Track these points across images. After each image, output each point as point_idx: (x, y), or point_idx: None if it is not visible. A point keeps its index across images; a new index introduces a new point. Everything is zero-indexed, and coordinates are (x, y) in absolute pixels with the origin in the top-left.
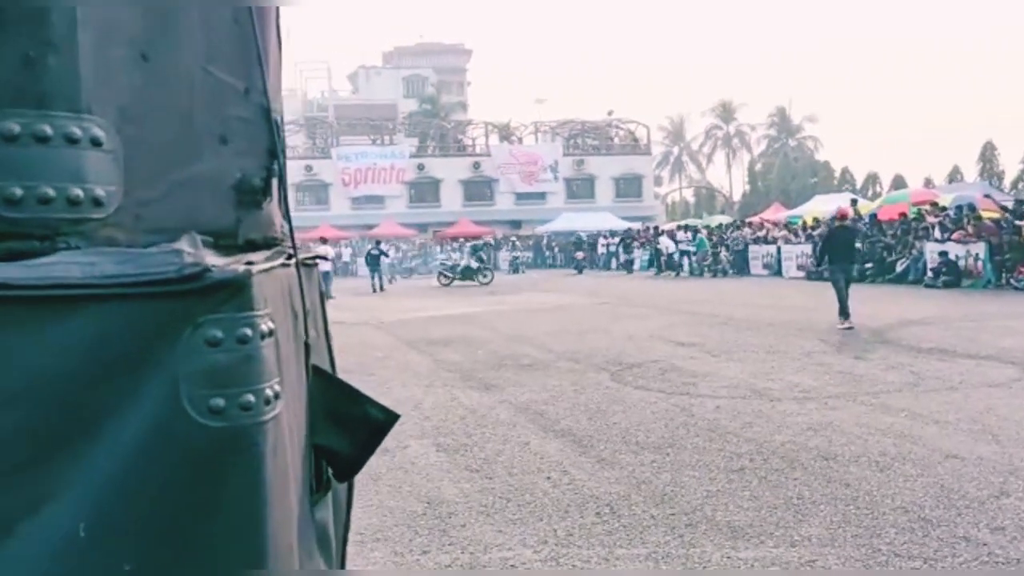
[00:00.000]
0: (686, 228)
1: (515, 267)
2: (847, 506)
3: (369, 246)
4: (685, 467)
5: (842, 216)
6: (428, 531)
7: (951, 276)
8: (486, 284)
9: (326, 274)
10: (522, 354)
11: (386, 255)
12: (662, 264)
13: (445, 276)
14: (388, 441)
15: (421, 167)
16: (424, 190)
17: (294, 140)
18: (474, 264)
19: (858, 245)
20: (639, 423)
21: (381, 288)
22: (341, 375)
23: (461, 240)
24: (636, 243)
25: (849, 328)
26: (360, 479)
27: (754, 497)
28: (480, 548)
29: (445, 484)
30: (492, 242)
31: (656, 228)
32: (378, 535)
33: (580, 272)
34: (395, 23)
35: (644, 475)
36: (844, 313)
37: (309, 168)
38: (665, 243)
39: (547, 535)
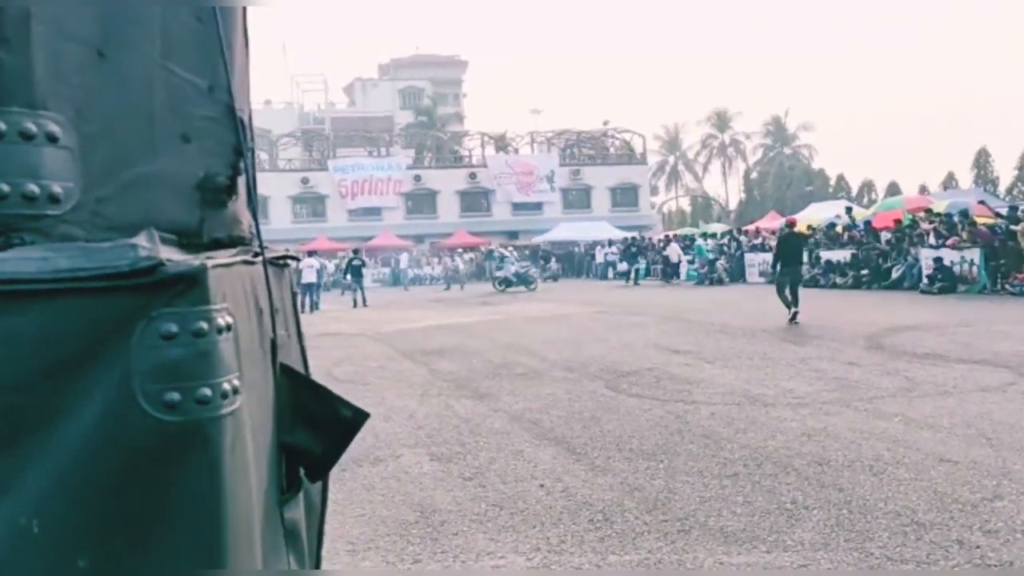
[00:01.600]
0: (705, 236)
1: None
2: (840, 510)
3: (350, 256)
4: (679, 473)
5: (790, 224)
6: (420, 540)
7: (946, 282)
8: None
9: (311, 286)
10: (517, 363)
11: (366, 265)
12: (668, 272)
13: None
14: (381, 450)
15: (418, 178)
16: (421, 201)
17: (291, 152)
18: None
19: (849, 258)
20: (633, 430)
21: (364, 303)
22: (337, 385)
23: (460, 250)
24: (640, 251)
25: (794, 316)
26: (353, 488)
27: (747, 503)
28: (472, 556)
29: (438, 493)
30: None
31: (667, 236)
32: (370, 544)
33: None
34: (391, 36)
35: (637, 482)
36: (789, 305)
37: (306, 180)
38: (674, 250)
39: (539, 542)
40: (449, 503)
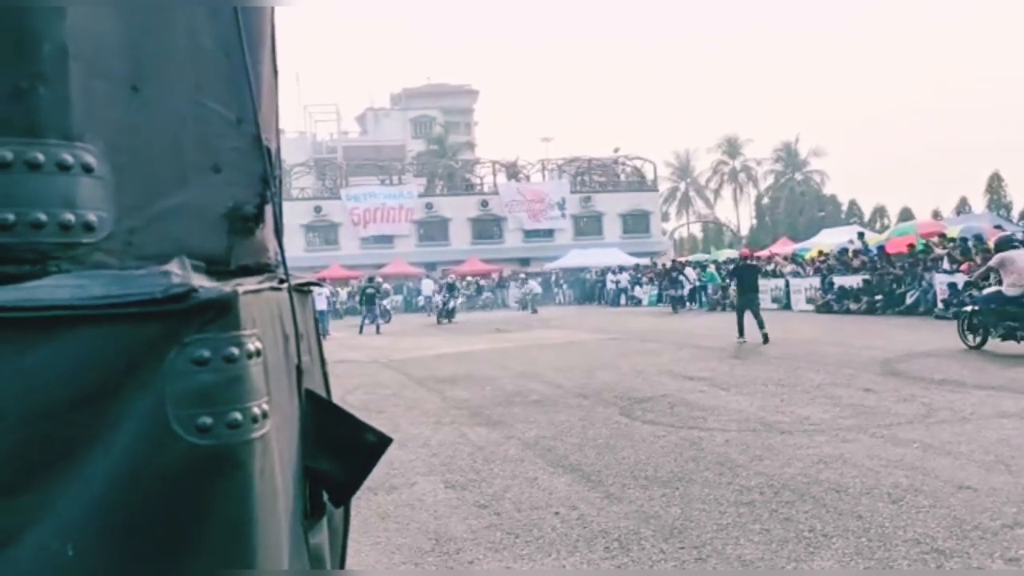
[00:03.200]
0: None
1: (524, 304)
2: (859, 538)
3: (363, 284)
4: (695, 501)
5: (744, 256)
6: (436, 568)
7: (961, 307)
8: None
9: (321, 313)
10: (530, 390)
11: (380, 293)
12: (684, 298)
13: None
14: (396, 478)
15: (429, 206)
16: (433, 229)
17: (304, 181)
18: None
19: (862, 283)
20: (648, 457)
21: (377, 330)
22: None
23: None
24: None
25: (765, 338)
26: (368, 517)
27: (765, 530)
28: None
29: (453, 520)
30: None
31: (682, 262)
32: (386, 572)
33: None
34: (403, 66)
35: (653, 509)
36: (741, 331)
37: (318, 209)
38: (690, 276)
39: (555, 570)
40: (464, 531)
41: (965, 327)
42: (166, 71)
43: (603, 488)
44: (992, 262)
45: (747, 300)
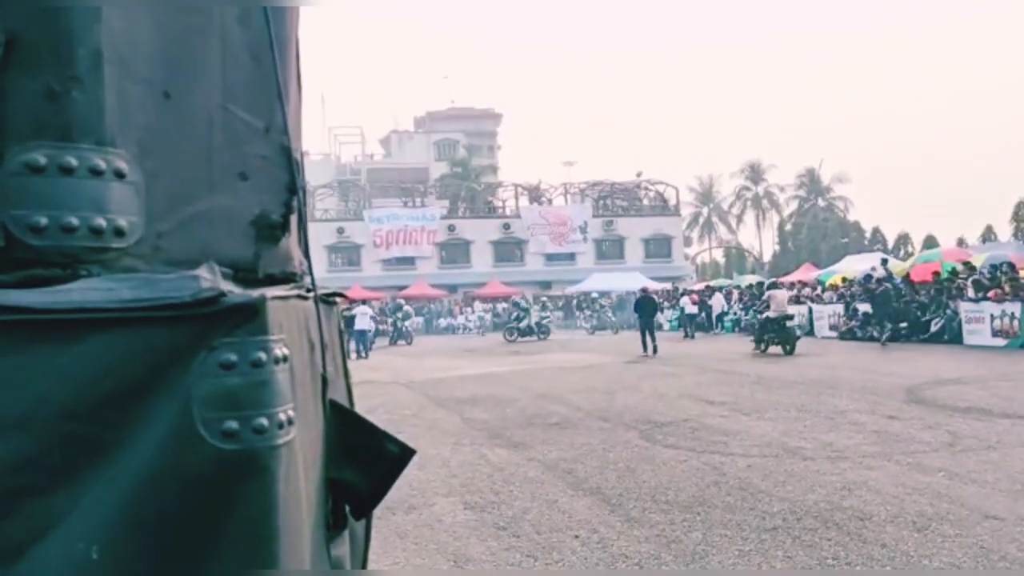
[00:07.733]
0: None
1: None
2: (884, 567)
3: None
4: (716, 526)
5: (644, 290)
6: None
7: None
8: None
9: (363, 333)
10: (550, 412)
11: (404, 315)
12: (708, 324)
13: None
14: (415, 498)
15: (452, 228)
16: (455, 251)
17: (327, 203)
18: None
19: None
20: (669, 481)
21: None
22: None
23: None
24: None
25: (654, 351)
26: (386, 536)
27: (788, 557)
28: None
29: (472, 542)
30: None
31: (708, 287)
32: (399, 572)
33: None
34: (427, 90)
35: (674, 534)
36: (644, 348)
37: (341, 230)
38: (718, 301)
39: None
40: (483, 552)
41: (757, 340)
42: (197, 76)
43: (623, 511)
44: (765, 296)
45: (646, 323)
